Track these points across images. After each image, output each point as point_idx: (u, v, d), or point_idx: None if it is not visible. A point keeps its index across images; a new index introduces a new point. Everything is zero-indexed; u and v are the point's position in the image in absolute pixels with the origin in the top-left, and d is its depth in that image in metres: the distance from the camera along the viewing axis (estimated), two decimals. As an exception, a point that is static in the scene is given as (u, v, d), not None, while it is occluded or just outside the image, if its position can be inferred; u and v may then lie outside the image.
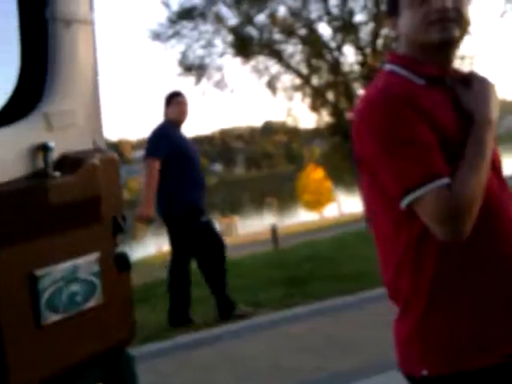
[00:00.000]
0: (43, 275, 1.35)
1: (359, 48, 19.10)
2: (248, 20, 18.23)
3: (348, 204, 30.68)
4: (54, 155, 1.38)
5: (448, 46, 1.49)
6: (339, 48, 19.32)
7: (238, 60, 18.17)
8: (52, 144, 1.37)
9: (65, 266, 1.40)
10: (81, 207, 1.42)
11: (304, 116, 56.20)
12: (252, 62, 19.50)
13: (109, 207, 1.48)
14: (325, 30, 29.82)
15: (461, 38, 1.50)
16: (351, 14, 18.83)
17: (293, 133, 23.73)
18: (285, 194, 56.07)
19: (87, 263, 1.44)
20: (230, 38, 18.63)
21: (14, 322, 1.30)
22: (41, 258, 1.36)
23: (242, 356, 4.28)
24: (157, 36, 16.40)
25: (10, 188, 1.30)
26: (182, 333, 5.02)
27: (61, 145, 1.41)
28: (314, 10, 19.06)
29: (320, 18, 19.04)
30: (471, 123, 1.43)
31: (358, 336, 4.47)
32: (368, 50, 19.04)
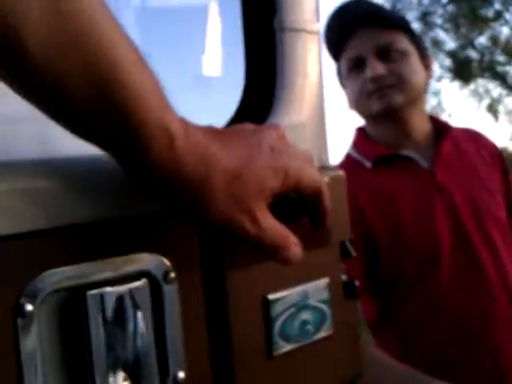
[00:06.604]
0: (276, 300, 1.29)
1: None
2: (468, 43, 17.79)
3: None
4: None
5: (392, 114, 1.33)
6: None
7: (456, 84, 17.77)
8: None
9: (296, 290, 1.32)
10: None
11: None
12: (471, 86, 18.89)
13: (336, 229, 1.38)
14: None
15: (409, 103, 1.34)
16: None
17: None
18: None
19: (317, 289, 1.35)
20: (447, 61, 18.28)
21: (246, 349, 1.25)
22: (273, 282, 1.30)
23: None
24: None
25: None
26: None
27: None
28: (543, 29, 17.98)
29: (549, 37, 17.90)
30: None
31: None
32: None
